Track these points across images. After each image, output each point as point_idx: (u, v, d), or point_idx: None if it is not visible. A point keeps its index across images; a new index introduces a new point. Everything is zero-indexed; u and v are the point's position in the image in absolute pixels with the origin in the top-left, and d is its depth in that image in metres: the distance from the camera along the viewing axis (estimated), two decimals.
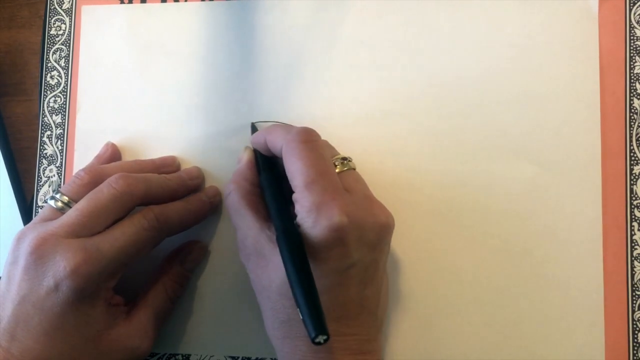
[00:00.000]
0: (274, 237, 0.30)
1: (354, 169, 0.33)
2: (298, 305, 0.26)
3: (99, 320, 0.32)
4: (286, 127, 0.33)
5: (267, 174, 0.34)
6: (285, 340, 0.30)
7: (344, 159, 0.33)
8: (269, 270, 0.30)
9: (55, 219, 0.32)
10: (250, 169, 0.35)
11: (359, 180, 0.33)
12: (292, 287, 0.27)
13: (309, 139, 0.31)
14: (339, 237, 0.28)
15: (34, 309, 0.30)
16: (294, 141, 0.31)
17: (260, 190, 0.34)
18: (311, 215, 0.29)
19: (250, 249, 0.32)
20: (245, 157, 0.36)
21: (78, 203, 0.33)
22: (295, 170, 0.30)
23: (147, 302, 0.35)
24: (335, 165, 0.32)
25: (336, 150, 0.34)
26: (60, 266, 0.30)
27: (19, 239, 0.32)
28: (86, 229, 0.32)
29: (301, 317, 0.26)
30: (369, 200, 0.31)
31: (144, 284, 0.37)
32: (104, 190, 0.33)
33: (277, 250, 0.29)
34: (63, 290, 0.30)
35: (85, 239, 0.31)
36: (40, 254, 0.30)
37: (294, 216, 0.30)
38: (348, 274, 0.29)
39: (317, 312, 0.26)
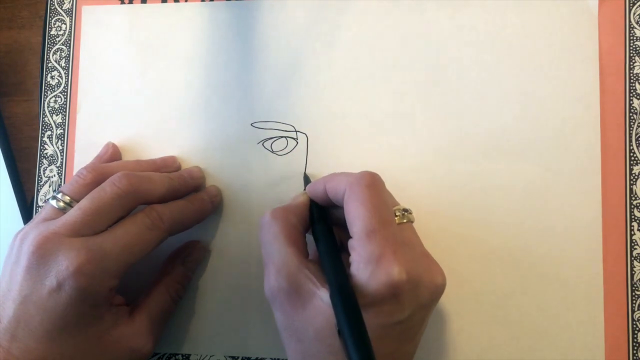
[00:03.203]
0: (315, 279, 0.29)
1: (412, 222, 0.32)
2: None
3: (102, 320, 0.32)
4: (346, 172, 0.32)
5: (322, 226, 0.33)
6: None
7: (405, 210, 0.31)
8: (306, 313, 0.29)
9: (56, 218, 0.32)
10: (303, 210, 0.33)
11: (417, 235, 0.32)
12: (346, 348, 0.26)
13: (373, 182, 0.30)
14: (394, 294, 0.27)
15: (36, 309, 0.30)
16: (358, 185, 0.30)
17: (303, 230, 0.33)
18: (369, 266, 0.27)
19: (282, 285, 0.30)
20: (302, 198, 0.34)
21: (81, 202, 0.32)
22: (357, 216, 0.29)
23: (149, 303, 0.35)
24: (396, 215, 0.31)
25: (396, 200, 0.33)
26: (63, 266, 0.30)
27: (21, 238, 0.32)
28: (89, 228, 0.31)
29: None
30: (426, 257, 0.31)
31: (145, 285, 0.37)
32: (107, 189, 0.32)
33: (319, 292, 0.28)
34: (66, 290, 0.30)
35: (88, 238, 0.31)
36: (42, 253, 0.30)
37: (347, 264, 0.29)
38: (393, 329, 0.28)
39: None
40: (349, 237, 0.29)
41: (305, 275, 0.29)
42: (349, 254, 0.29)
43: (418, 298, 0.28)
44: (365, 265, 0.28)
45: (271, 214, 0.32)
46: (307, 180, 0.38)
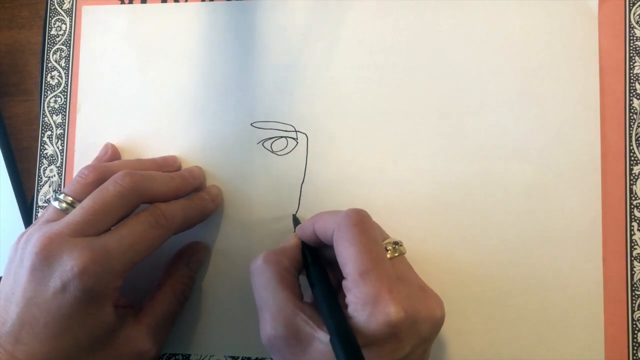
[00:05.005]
0: (312, 322, 0.29)
1: (404, 254, 0.32)
2: None
3: (107, 321, 0.31)
4: (333, 212, 0.32)
5: (316, 269, 0.32)
6: None
7: (396, 243, 0.31)
8: (306, 357, 0.29)
9: (59, 219, 0.32)
10: (295, 251, 0.33)
11: (410, 267, 0.32)
12: None
13: (360, 220, 0.30)
14: (393, 333, 0.27)
15: (40, 311, 0.29)
16: (345, 224, 0.30)
17: (296, 272, 0.33)
18: (366, 308, 0.27)
19: (279, 332, 0.29)
20: (293, 240, 0.34)
21: (83, 201, 0.32)
22: (348, 257, 0.29)
23: (155, 305, 0.35)
24: (387, 250, 0.31)
25: (386, 233, 0.33)
26: (68, 266, 0.29)
27: (25, 240, 0.31)
28: (92, 228, 0.31)
29: None
30: (422, 291, 0.30)
31: (150, 288, 0.36)
32: (110, 188, 0.32)
33: (318, 335, 0.28)
34: (71, 291, 0.29)
35: (92, 238, 0.31)
36: (46, 254, 0.30)
37: (344, 305, 0.29)
38: None
39: None
40: (343, 276, 0.29)
41: (302, 319, 0.29)
42: (344, 294, 0.29)
43: (418, 333, 0.28)
44: (363, 306, 0.28)
45: (263, 259, 0.32)
46: (296, 221, 0.37)
